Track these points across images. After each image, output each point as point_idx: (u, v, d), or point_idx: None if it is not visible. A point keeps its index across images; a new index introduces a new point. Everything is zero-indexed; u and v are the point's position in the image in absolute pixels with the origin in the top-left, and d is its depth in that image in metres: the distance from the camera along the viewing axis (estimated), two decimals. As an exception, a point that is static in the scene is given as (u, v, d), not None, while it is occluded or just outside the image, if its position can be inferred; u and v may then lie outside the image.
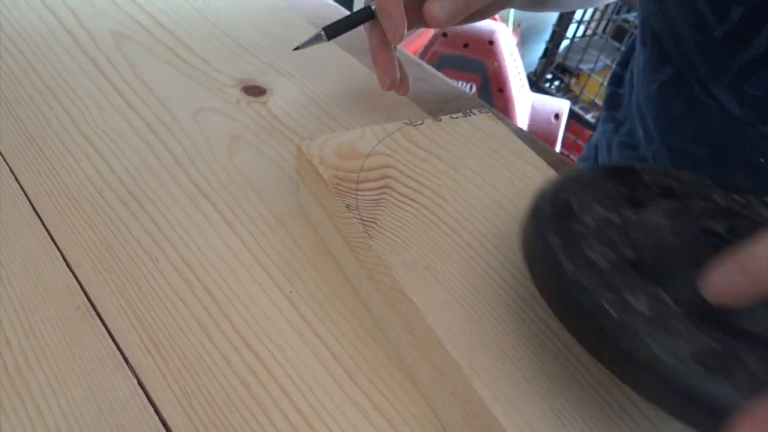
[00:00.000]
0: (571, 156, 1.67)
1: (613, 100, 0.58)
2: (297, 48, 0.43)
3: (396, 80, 0.43)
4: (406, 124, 0.39)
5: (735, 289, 0.22)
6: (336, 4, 0.64)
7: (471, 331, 0.27)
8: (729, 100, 0.42)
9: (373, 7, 0.42)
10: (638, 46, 0.50)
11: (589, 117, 1.65)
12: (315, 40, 0.43)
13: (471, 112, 0.41)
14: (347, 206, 0.32)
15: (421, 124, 0.39)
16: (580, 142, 1.66)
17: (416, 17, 0.42)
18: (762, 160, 0.42)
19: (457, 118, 0.40)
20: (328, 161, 0.35)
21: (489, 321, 0.28)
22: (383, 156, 0.36)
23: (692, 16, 0.41)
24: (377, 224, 0.32)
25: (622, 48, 1.58)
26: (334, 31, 0.43)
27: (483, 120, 0.40)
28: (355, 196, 0.33)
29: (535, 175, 0.36)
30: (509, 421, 0.24)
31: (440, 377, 0.27)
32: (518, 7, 0.49)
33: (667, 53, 0.44)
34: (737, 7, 0.38)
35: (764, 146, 0.42)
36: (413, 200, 0.33)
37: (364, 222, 0.32)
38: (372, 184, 0.34)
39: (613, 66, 0.61)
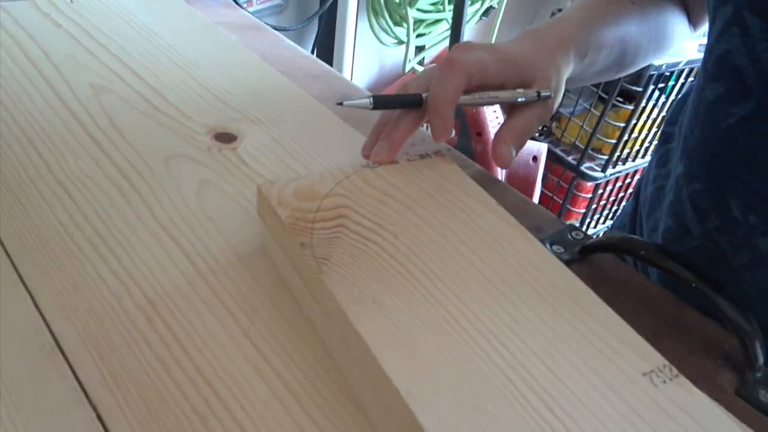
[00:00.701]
0: (555, 198, 1.69)
1: (665, 156, 0.59)
2: (340, 104, 0.42)
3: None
4: (364, 166, 0.41)
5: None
6: (309, 54, 0.67)
7: (412, 360, 0.29)
8: None
9: (423, 96, 0.43)
10: (702, 84, 0.50)
11: (570, 159, 1.69)
12: (361, 104, 0.42)
13: (427, 155, 0.43)
14: (302, 244, 0.34)
15: (378, 166, 0.41)
16: (562, 183, 1.69)
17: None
18: None
19: (414, 160, 0.42)
20: (286, 202, 0.37)
21: (431, 350, 0.29)
22: (339, 197, 0.38)
23: None
24: (329, 261, 0.33)
25: (600, 92, 1.63)
26: (381, 103, 0.43)
27: (438, 162, 0.43)
28: (310, 235, 0.35)
29: (483, 212, 0.38)
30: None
31: (384, 406, 0.29)
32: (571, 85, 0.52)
33: (749, 87, 0.45)
34: None
35: None
36: (366, 238, 0.35)
37: (317, 259, 0.33)
38: (327, 224, 0.36)
39: (662, 126, 0.63)
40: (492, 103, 0.45)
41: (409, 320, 0.30)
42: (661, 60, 1.54)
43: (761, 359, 0.38)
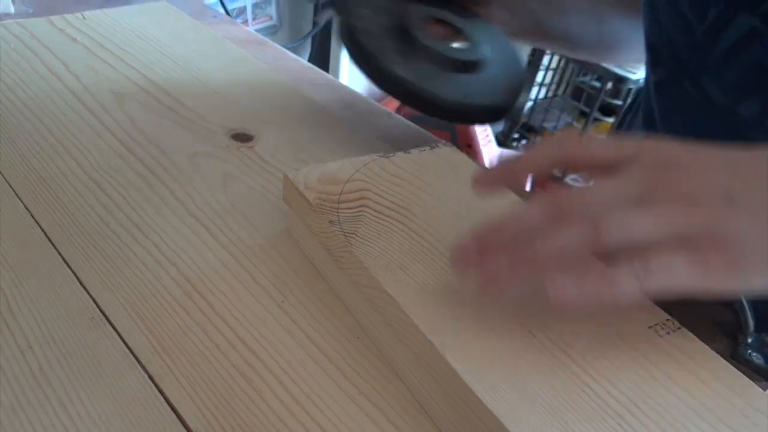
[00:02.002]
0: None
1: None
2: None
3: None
4: (380, 156, 0.44)
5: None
6: (312, 66, 0.71)
7: (441, 316, 0.32)
8: (713, 88, 0.48)
9: None
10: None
11: (555, 171, 1.74)
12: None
13: (437, 145, 0.47)
14: (330, 222, 0.37)
15: (393, 155, 0.44)
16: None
17: None
18: (740, 143, 0.49)
19: (424, 150, 0.46)
20: (312, 186, 0.40)
21: (456, 306, 0.32)
22: (360, 182, 0.41)
23: (679, 19, 0.49)
24: (357, 235, 0.36)
25: (581, 106, 1.69)
26: None
27: (447, 152, 0.46)
28: (336, 214, 0.38)
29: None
30: (479, 385, 0.28)
31: (416, 359, 0.32)
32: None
33: (660, 57, 0.52)
34: (713, 8, 0.46)
35: (740, 129, 0.48)
36: (387, 216, 0.38)
37: (346, 234, 0.36)
38: (351, 204, 0.39)
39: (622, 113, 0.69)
40: None
41: (433, 284, 0.33)
42: (639, 75, 1.61)
43: (752, 326, 0.41)
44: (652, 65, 0.54)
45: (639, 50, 0.66)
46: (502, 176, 0.35)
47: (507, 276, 0.30)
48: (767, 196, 0.30)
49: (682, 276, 0.29)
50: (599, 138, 0.34)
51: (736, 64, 0.46)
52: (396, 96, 0.49)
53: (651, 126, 0.56)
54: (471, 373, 0.29)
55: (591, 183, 0.32)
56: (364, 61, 0.50)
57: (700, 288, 0.29)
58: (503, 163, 0.34)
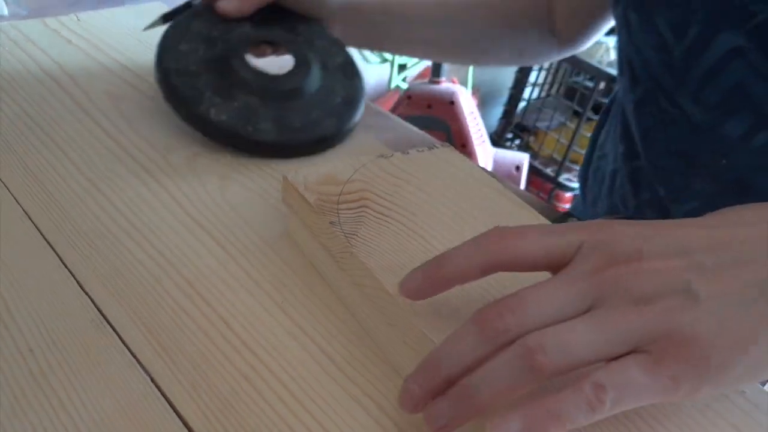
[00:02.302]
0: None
1: (600, 141, 0.65)
2: (145, 29, 0.53)
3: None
4: (379, 157, 0.44)
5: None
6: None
7: (440, 315, 0.32)
8: (692, 107, 0.48)
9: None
10: (618, 78, 0.57)
11: (548, 171, 1.75)
12: (157, 23, 0.51)
13: (435, 146, 0.47)
14: (331, 223, 0.37)
15: (391, 156, 0.44)
16: (541, 194, 1.75)
17: None
18: (724, 161, 0.48)
19: (423, 151, 0.46)
20: (311, 188, 0.40)
21: (458, 307, 0.32)
22: (359, 182, 0.41)
23: (654, 38, 0.48)
24: (357, 236, 0.36)
25: (575, 106, 1.70)
26: (171, 16, 0.52)
27: (445, 152, 0.46)
28: (336, 215, 0.38)
29: (492, 195, 0.42)
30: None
31: (418, 358, 0.32)
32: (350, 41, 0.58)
33: (638, 76, 0.52)
34: (693, 27, 0.45)
35: (723, 148, 0.48)
36: (387, 216, 0.38)
37: (346, 235, 0.36)
38: (351, 205, 0.39)
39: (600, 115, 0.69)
40: None
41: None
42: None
43: None
44: (630, 84, 0.53)
45: (504, 57, 0.67)
46: (428, 287, 0.30)
47: (451, 421, 0.27)
48: (732, 285, 0.26)
49: (643, 391, 0.25)
50: (534, 230, 0.29)
51: (715, 84, 0.46)
52: (217, 141, 0.49)
53: (629, 142, 0.56)
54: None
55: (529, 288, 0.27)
56: (178, 106, 0.49)
57: (665, 401, 0.26)
58: (427, 272, 0.30)
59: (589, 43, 0.67)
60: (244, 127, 0.48)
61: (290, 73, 0.51)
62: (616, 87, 0.61)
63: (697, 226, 0.29)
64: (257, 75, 0.49)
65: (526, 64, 0.68)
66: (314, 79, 0.51)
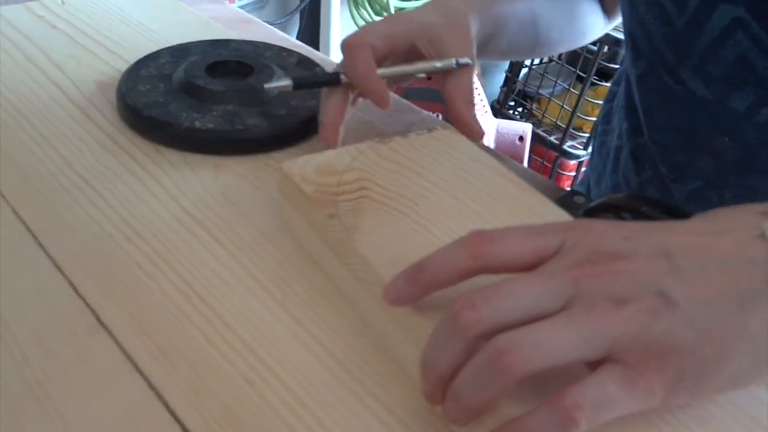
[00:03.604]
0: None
1: (608, 115, 0.63)
2: (265, 87, 0.47)
3: (337, 144, 0.44)
4: (377, 142, 0.42)
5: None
6: (301, 44, 0.69)
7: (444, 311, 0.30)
8: (695, 82, 0.47)
9: (342, 78, 0.44)
10: (624, 52, 0.55)
11: (552, 138, 1.72)
12: (282, 86, 0.45)
13: (435, 128, 0.45)
14: (330, 216, 0.36)
15: (390, 141, 0.43)
16: (546, 163, 1.72)
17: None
18: (726, 139, 0.47)
19: (423, 134, 0.44)
20: (309, 178, 0.38)
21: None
22: (358, 171, 0.39)
23: (657, 10, 0.47)
24: (358, 228, 0.35)
25: (577, 71, 1.66)
26: (300, 84, 0.46)
27: (445, 134, 0.44)
28: (336, 207, 0.36)
29: (494, 177, 0.40)
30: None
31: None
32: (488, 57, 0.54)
33: (641, 49, 0.50)
34: None
35: (729, 123, 0.46)
36: (388, 206, 0.37)
37: (347, 228, 0.35)
38: (350, 195, 0.37)
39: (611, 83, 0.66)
40: (412, 73, 0.47)
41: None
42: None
43: None
44: (633, 58, 0.51)
45: (570, 43, 0.64)
46: (410, 293, 0.30)
47: (460, 420, 0.27)
48: (711, 292, 0.26)
49: (619, 405, 0.25)
50: (514, 234, 0.28)
51: (718, 57, 0.44)
52: (210, 151, 0.47)
53: (634, 118, 0.54)
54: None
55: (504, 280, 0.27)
56: (160, 132, 0.47)
57: (642, 410, 0.26)
58: (408, 278, 0.30)
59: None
60: (234, 128, 0.47)
61: (256, 77, 0.51)
62: (622, 58, 0.59)
63: (681, 230, 0.28)
64: (226, 85, 0.50)
65: (585, 44, 0.66)
66: (279, 77, 0.52)
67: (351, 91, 0.45)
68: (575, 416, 0.24)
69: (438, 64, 0.46)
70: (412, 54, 0.46)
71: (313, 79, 0.49)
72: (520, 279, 0.27)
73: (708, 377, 0.26)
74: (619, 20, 0.64)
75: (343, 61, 0.45)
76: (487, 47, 0.52)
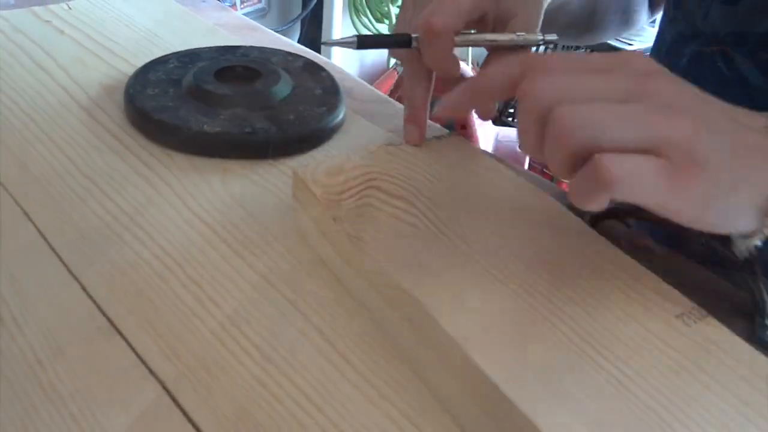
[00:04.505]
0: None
1: None
2: (324, 43, 0.44)
3: (425, 126, 0.43)
4: (386, 145, 0.43)
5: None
6: (307, 49, 0.69)
7: (462, 311, 0.31)
8: (750, 69, 0.46)
9: (413, 36, 0.41)
10: (662, 27, 0.55)
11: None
12: (346, 43, 0.41)
13: (442, 136, 0.45)
14: (334, 218, 0.36)
15: (399, 144, 0.43)
16: (546, 170, 1.73)
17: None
18: None
19: (431, 140, 0.44)
20: (319, 181, 0.38)
21: (477, 300, 0.31)
22: (367, 166, 0.40)
23: None
24: (368, 234, 0.35)
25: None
26: (366, 42, 0.42)
27: (453, 141, 0.45)
28: (340, 208, 0.37)
29: (504, 183, 0.40)
30: (507, 385, 0.27)
31: (438, 357, 0.31)
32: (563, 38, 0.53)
33: (697, 29, 0.49)
34: None
35: None
36: (398, 207, 0.37)
37: (356, 234, 0.35)
38: (356, 190, 0.38)
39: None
40: (487, 46, 0.43)
41: (451, 277, 0.32)
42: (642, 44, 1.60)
43: None
44: (687, 36, 0.50)
45: (614, 31, 0.64)
46: (465, 101, 0.35)
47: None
48: (729, 137, 0.29)
49: (649, 186, 0.27)
50: (580, 63, 0.32)
51: None
52: (219, 155, 0.47)
53: None
54: (498, 371, 0.28)
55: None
56: (170, 135, 0.47)
57: (663, 206, 0.28)
58: (464, 87, 0.34)
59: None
60: (243, 131, 0.47)
61: (263, 81, 0.51)
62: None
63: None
64: (234, 90, 0.50)
65: (625, 34, 0.67)
66: (286, 81, 0.52)
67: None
68: (608, 178, 0.26)
69: (520, 43, 0.41)
70: (480, 24, 0.43)
71: (380, 39, 0.48)
72: (580, 74, 0.30)
73: (733, 195, 0.29)
74: (657, 15, 0.63)
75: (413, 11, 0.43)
76: (554, 20, 0.50)
